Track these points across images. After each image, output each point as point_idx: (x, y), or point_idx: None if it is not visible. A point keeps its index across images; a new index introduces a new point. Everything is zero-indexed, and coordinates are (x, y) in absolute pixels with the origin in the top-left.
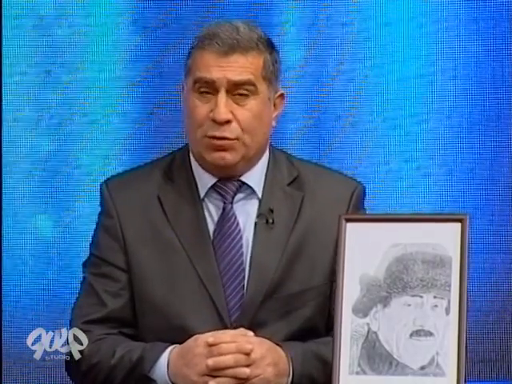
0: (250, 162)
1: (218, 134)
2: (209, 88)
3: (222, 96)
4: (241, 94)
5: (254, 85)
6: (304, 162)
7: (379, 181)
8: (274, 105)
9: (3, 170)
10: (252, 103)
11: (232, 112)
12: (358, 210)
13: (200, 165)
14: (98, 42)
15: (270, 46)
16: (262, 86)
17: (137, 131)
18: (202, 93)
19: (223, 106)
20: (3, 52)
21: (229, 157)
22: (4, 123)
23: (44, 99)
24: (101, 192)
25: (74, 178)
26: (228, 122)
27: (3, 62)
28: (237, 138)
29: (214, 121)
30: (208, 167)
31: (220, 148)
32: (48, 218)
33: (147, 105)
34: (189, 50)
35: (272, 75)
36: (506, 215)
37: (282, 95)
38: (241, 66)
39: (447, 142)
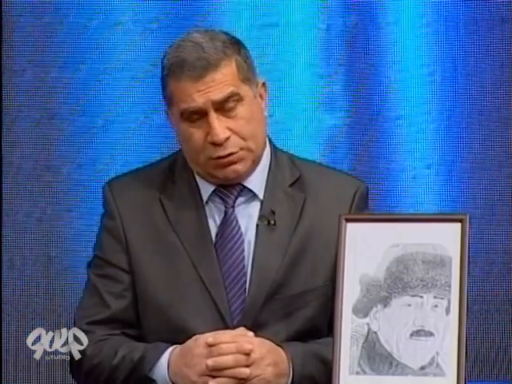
0: (256, 163)
1: (222, 153)
2: (197, 114)
3: (213, 117)
4: (229, 106)
5: (237, 94)
6: (306, 162)
7: (379, 181)
8: (260, 96)
9: (3, 170)
10: (241, 110)
11: (227, 127)
12: (360, 209)
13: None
14: (98, 42)
15: (237, 45)
16: (245, 89)
17: (138, 131)
18: (191, 119)
19: (217, 126)
20: (3, 52)
21: (240, 167)
22: (4, 124)
23: (44, 99)
24: (103, 193)
25: (75, 179)
26: (227, 138)
27: (3, 61)
28: (241, 148)
29: (214, 143)
30: (218, 182)
31: (229, 163)
32: (48, 218)
33: (148, 105)
34: (161, 80)
35: (248, 73)
36: (506, 215)
37: (263, 84)
38: (219, 83)
39: (447, 141)
